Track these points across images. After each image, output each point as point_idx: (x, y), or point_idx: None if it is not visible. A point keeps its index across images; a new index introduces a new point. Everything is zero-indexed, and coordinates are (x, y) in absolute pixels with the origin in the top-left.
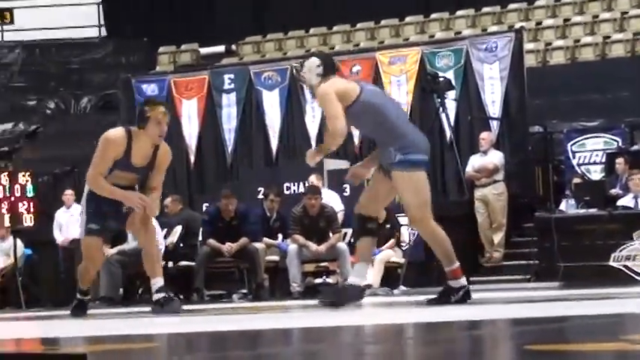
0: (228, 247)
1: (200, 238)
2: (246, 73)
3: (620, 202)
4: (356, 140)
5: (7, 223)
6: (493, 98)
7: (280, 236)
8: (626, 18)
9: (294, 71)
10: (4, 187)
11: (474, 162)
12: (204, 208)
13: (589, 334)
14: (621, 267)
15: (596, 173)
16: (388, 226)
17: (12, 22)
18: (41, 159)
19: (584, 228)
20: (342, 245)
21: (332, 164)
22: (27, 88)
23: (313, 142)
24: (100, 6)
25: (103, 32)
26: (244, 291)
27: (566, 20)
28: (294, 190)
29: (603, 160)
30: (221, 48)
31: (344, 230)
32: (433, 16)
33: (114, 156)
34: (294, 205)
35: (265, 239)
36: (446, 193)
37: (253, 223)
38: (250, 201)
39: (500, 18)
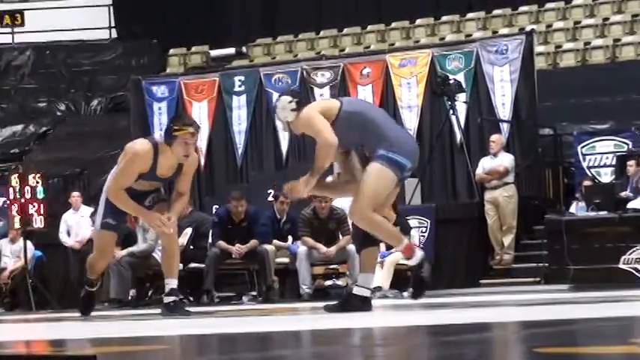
0: (238, 248)
1: (210, 240)
2: (256, 75)
3: (630, 205)
4: None
5: (17, 225)
6: (503, 100)
7: (290, 238)
8: (636, 21)
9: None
10: (14, 188)
11: (485, 164)
12: (214, 210)
13: (599, 336)
14: (631, 270)
15: (606, 176)
16: (398, 228)
17: (23, 24)
18: (51, 161)
19: (594, 231)
20: (352, 247)
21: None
22: (37, 90)
23: None
24: (111, 8)
25: (114, 34)
26: (254, 293)
27: (576, 23)
28: None
29: (613, 162)
30: (231, 50)
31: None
32: (444, 18)
33: (139, 171)
34: (304, 207)
35: (275, 241)
36: (456, 196)
37: (263, 225)
38: (260, 203)
39: (511, 20)
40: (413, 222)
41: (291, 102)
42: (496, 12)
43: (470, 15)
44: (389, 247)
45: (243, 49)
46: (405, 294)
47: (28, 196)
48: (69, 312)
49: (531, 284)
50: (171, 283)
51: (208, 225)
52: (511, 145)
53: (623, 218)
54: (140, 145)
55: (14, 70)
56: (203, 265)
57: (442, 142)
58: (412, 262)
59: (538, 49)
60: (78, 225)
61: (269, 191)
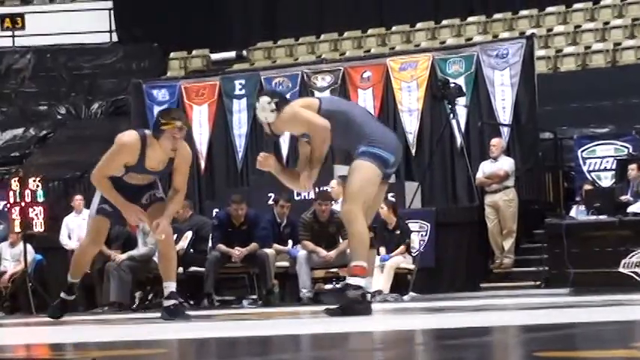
0: (238, 252)
1: (210, 244)
2: (257, 79)
3: (630, 209)
4: None
5: (17, 229)
6: (504, 104)
7: (290, 242)
8: (636, 25)
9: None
10: (14, 192)
11: (485, 168)
12: (214, 214)
13: (599, 341)
14: (631, 274)
15: (606, 180)
16: (399, 232)
17: (23, 27)
18: (52, 164)
19: (595, 234)
20: None
21: (342, 170)
22: (38, 93)
23: None
24: (111, 12)
25: (114, 38)
26: (254, 297)
27: (577, 27)
28: (305, 196)
29: (614, 166)
30: (232, 54)
31: None
32: (444, 22)
33: (125, 162)
34: (304, 211)
35: (275, 245)
36: (456, 199)
37: (263, 228)
38: (261, 207)
39: (511, 24)
40: (413, 226)
41: (270, 102)
42: (496, 16)
43: (470, 19)
44: (390, 251)
45: (244, 52)
46: (406, 297)
47: (28, 199)
48: (69, 315)
49: (531, 288)
50: (170, 286)
51: (208, 228)
52: (511, 149)
53: (624, 222)
54: (128, 136)
55: (15, 74)
56: (203, 269)
57: (442, 146)
58: (351, 281)
59: (538, 53)
60: (80, 228)
61: (269, 195)
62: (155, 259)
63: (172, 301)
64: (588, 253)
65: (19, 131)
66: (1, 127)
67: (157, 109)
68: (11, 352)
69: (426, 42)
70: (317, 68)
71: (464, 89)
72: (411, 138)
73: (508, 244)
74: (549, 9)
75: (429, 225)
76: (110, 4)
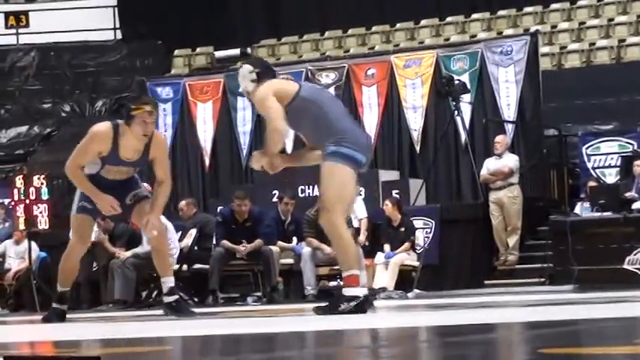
0: (243, 247)
1: (214, 241)
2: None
3: (635, 206)
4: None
5: (22, 226)
6: (508, 101)
7: (295, 239)
8: None
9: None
10: (19, 190)
11: (489, 165)
12: (218, 211)
13: (603, 337)
14: (636, 270)
15: (611, 176)
16: (403, 229)
17: (27, 25)
18: (56, 162)
19: (599, 231)
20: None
21: None
22: (42, 91)
23: None
24: (116, 9)
25: (118, 35)
26: (258, 294)
27: (581, 23)
28: (309, 194)
29: (618, 163)
30: (236, 51)
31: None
32: (448, 19)
33: (98, 151)
34: (308, 208)
35: (280, 242)
36: (461, 196)
37: (267, 226)
38: (265, 204)
39: (516, 21)
40: (418, 223)
41: (252, 72)
42: (501, 13)
43: (474, 16)
44: (394, 248)
45: (248, 49)
46: (410, 294)
47: (32, 197)
48: (73, 313)
49: (536, 285)
50: (169, 281)
51: (212, 226)
52: (516, 146)
53: (628, 219)
54: (100, 125)
55: (19, 71)
56: (207, 266)
57: (447, 143)
58: (346, 293)
59: (543, 49)
60: None
61: (273, 192)
62: None
63: (174, 297)
64: (593, 249)
65: (24, 129)
66: (6, 125)
67: (161, 107)
68: (16, 350)
69: (430, 39)
70: (321, 65)
71: (468, 86)
72: (416, 135)
73: (512, 240)
74: (553, 5)
75: (433, 222)
76: (114, 2)
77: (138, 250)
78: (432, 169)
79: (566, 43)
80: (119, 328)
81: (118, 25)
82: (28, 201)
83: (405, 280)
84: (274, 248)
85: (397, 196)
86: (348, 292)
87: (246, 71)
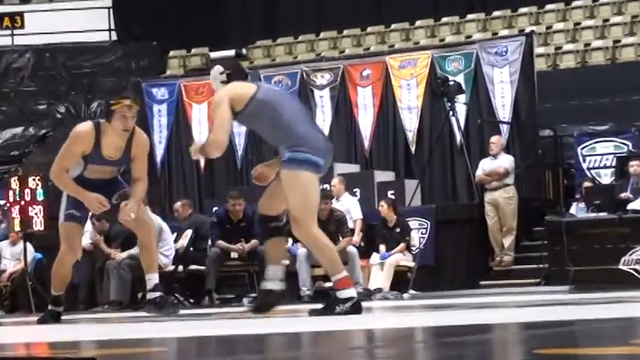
0: (240, 246)
1: (209, 242)
2: (256, 77)
3: (630, 206)
4: (366, 143)
5: (17, 228)
6: (503, 102)
7: (290, 240)
8: (636, 22)
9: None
10: (14, 191)
11: (485, 165)
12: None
13: (599, 338)
14: (631, 271)
15: (606, 177)
16: (398, 230)
17: (22, 26)
18: (51, 163)
19: (595, 232)
20: (352, 249)
21: (342, 168)
22: (37, 92)
23: None
24: (110, 10)
25: (114, 36)
26: (254, 295)
27: (576, 24)
28: None
29: (614, 163)
30: (231, 52)
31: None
32: (443, 19)
33: (81, 150)
34: None
35: None
36: (456, 197)
37: None
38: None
39: (511, 22)
40: (413, 223)
41: (222, 73)
42: (496, 13)
43: (470, 16)
44: (390, 249)
45: (243, 50)
46: (406, 295)
47: (28, 198)
48: (69, 314)
49: (531, 285)
50: (153, 278)
51: (208, 227)
52: (511, 147)
53: (623, 219)
54: (81, 125)
55: (14, 73)
56: (203, 267)
57: (442, 144)
58: (342, 295)
59: (538, 50)
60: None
61: None
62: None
63: (158, 294)
64: (588, 250)
65: (19, 130)
66: (1, 126)
67: (156, 108)
68: (11, 351)
69: (425, 40)
70: (316, 66)
71: (463, 87)
72: (411, 136)
73: (508, 241)
74: (548, 6)
75: (428, 222)
76: (109, 3)
77: (133, 251)
78: (428, 169)
79: (561, 43)
80: (115, 330)
81: (113, 27)
82: (23, 202)
83: (400, 281)
84: None
85: (392, 196)
86: (342, 294)
87: (216, 72)
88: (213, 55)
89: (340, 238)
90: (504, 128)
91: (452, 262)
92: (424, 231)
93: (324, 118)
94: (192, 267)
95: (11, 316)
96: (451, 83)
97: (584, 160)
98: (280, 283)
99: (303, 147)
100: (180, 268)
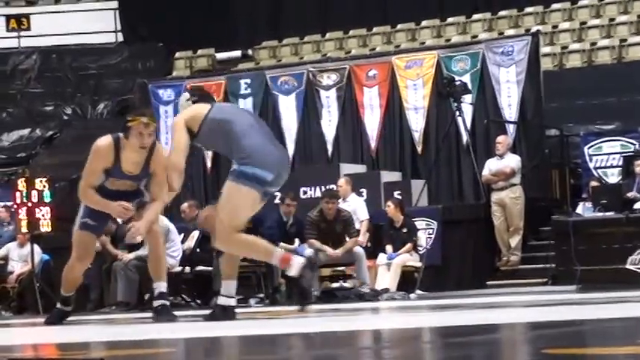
0: None
1: None
2: (262, 78)
3: (637, 206)
4: (372, 144)
5: (24, 229)
6: (509, 102)
7: (297, 241)
8: None
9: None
10: (21, 193)
11: (491, 165)
12: None
13: (606, 337)
14: (638, 270)
15: (613, 176)
16: (405, 230)
17: (29, 28)
18: (58, 165)
19: (601, 231)
20: (359, 249)
21: (348, 168)
22: (44, 94)
23: (329, 146)
24: (117, 12)
25: (120, 38)
26: (261, 295)
27: (582, 23)
28: (311, 195)
29: (620, 163)
30: (237, 53)
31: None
32: (449, 19)
33: (103, 166)
34: (310, 209)
35: (282, 244)
36: (463, 197)
37: (269, 227)
38: (267, 205)
39: (517, 21)
40: (420, 223)
41: (188, 100)
42: (502, 13)
43: (475, 16)
44: (396, 249)
45: (249, 51)
46: (413, 295)
47: (35, 200)
48: (76, 315)
49: (538, 285)
50: (160, 287)
51: None
52: (517, 146)
53: (630, 219)
54: (101, 140)
55: (20, 74)
56: (210, 268)
57: (448, 144)
58: (291, 273)
59: (544, 49)
60: None
61: (275, 193)
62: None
63: (160, 302)
64: (595, 250)
65: (25, 132)
66: (8, 128)
67: (162, 109)
68: (19, 352)
69: (431, 40)
70: (322, 67)
71: (469, 87)
72: (417, 136)
73: (515, 241)
74: (554, 6)
75: (435, 223)
76: (115, 4)
77: (140, 252)
78: (434, 169)
79: (568, 43)
80: (122, 331)
81: (119, 28)
82: (30, 204)
83: (407, 281)
84: None
85: (399, 197)
86: (291, 272)
87: (183, 99)
88: (219, 56)
89: (347, 238)
90: (511, 128)
91: (459, 262)
92: (431, 231)
93: (330, 118)
94: (199, 268)
95: (19, 317)
96: (457, 83)
97: (591, 160)
98: (233, 299)
99: (251, 160)
100: (188, 269)
